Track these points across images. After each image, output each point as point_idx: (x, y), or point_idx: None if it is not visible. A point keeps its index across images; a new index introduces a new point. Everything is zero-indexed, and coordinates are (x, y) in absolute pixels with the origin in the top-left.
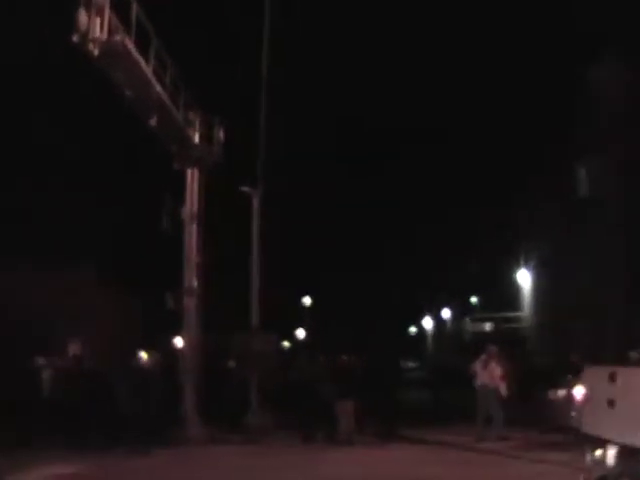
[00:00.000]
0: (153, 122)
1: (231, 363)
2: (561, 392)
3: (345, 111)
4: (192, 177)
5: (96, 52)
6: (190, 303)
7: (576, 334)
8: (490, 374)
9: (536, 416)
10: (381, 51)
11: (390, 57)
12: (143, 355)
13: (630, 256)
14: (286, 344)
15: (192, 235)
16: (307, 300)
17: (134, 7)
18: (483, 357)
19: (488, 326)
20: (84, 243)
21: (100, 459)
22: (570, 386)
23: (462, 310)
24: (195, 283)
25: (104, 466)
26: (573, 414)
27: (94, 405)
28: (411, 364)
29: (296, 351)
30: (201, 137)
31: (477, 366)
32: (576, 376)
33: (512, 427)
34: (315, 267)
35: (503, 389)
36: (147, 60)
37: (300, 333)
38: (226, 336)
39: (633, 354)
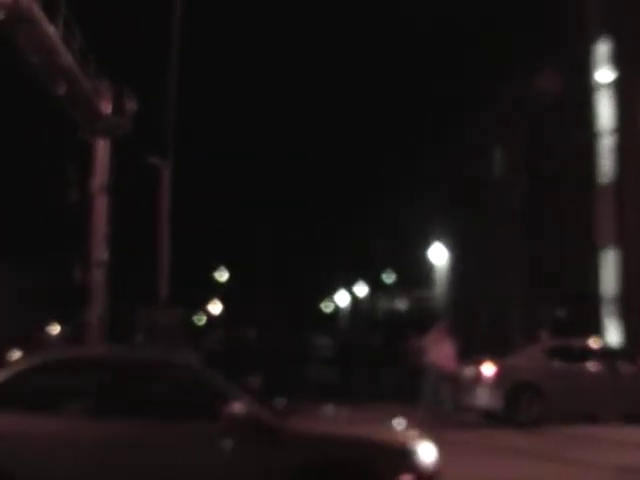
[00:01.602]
0: (61, 91)
1: (138, 336)
2: (469, 370)
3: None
4: (101, 148)
5: (1, 16)
6: (98, 275)
7: (482, 314)
8: (442, 352)
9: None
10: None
11: None
12: (53, 329)
13: (532, 238)
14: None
15: (101, 207)
16: (223, 275)
17: None
18: (435, 332)
19: (402, 303)
20: None
21: None
22: (478, 364)
23: (376, 287)
24: (104, 255)
25: None
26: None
27: None
28: (324, 341)
29: (210, 326)
30: (111, 107)
31: (427, 342)
32: (484, 355)
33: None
34: (229, 242)
35: (454, 369)
36: (55, 27)
37: (215, 308)
38: (134, 309)
39: (544, 333)
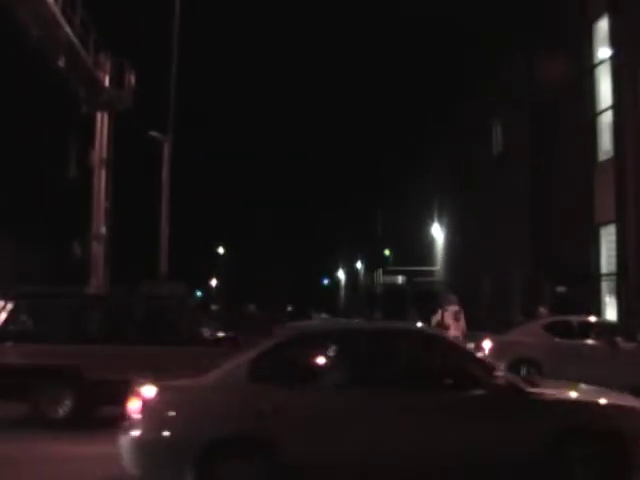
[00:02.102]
0: (61, 63)
1: None
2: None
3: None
4: (102, 121)
5: None
6: (98, 250)
7: (483, 292)
8: (460, 326)
9: None
10: None
11: None
12: None
13: (532, 216)
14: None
15: (101, 181)
16: (221, 250)
17: None
18: (452, 308)
19: (400, 279)
20: None
21: None
22: (479, 340)
23: (376, 263)
24: (103, 229)
25: None
26: None
27: None
28: (323, 315)
29: (208, 300)
30: (111, 81)
31: (447, 318)
32: (485, 331)
33: None
34: (229, 217)
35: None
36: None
37: (214, 283)
38: (135, 285)
39: (543, 310)
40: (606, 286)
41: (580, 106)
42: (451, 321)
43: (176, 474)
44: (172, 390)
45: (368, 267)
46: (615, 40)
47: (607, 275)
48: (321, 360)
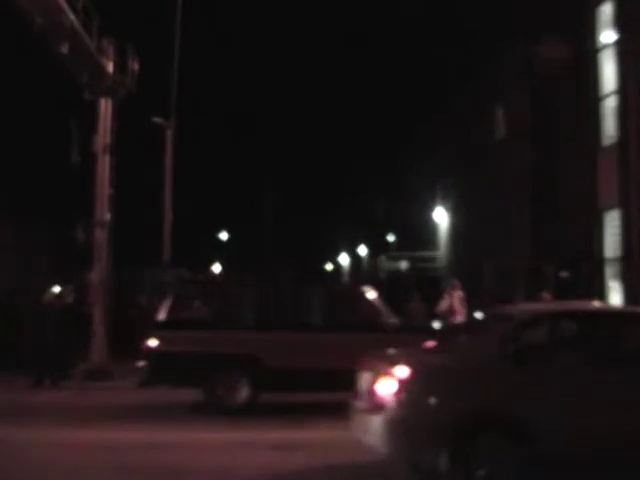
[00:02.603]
0: (64, 50)
1: (142, 298)
2: None
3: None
4: (105, 107)
5: None
6: (101, 236)
7: (485, 276)
8: (466, 311)
9: None
10: None
11: None
12: (56, 290)
13: (535, 200)
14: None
15: (104, 167)
16: (223, 235)
17: None
18: (457, 293)
19: (404, 264)
20: None
21: (5, 392)
22: None
23: (379, 248)
24: (107, 216)
25: (8, 399)
26: None
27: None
28: None
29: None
30: (114, 66)
31: (456, 304)
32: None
33: None
34: (231, 202)
35: None
36: None
37: (216, 268)
38: (137, 271)
39: (546, 295)
40: (610, 271)
41: (584, 90)
42: (458, 306)
43: (431, 453)
44: (427, 371)
45: (371, 252)
46: (619, 24)
47: (611, 260)
48: (563, 340)
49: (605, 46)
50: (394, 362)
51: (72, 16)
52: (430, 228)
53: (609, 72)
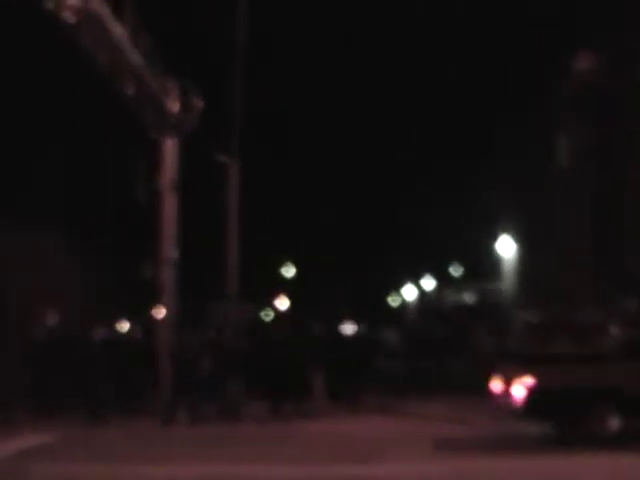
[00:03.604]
0: (130, 91)
1: (210, 332)
2: None
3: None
4: (169, 146)
5: (72, 20)
6: (168, 274)
7: (550, 307)
8: None
9: None
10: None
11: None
12: (124, 325)
13: (599, 228)
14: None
15: (170, 205)
16: (289, 271)
17: None
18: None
19: (468, 296)
20: (53, 211)
21: (71, 428)
22: None
23: (443, 281)
24: (174, 253)
25: (75, 436)
26: None
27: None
28: (391, 335)
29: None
30: (179, 105)
31: None
32: None
33: None
34: (297, 239)
35: None
36: (123, 27)
37: (281, 304)
38: (203, 305)
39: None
40: None
41: None
42: None
43: None
44: None
45: (435, 284)
46: None
47: None
48: None
49: None
50: None
51: (136, 57)
52: (495, 259)
53: None
